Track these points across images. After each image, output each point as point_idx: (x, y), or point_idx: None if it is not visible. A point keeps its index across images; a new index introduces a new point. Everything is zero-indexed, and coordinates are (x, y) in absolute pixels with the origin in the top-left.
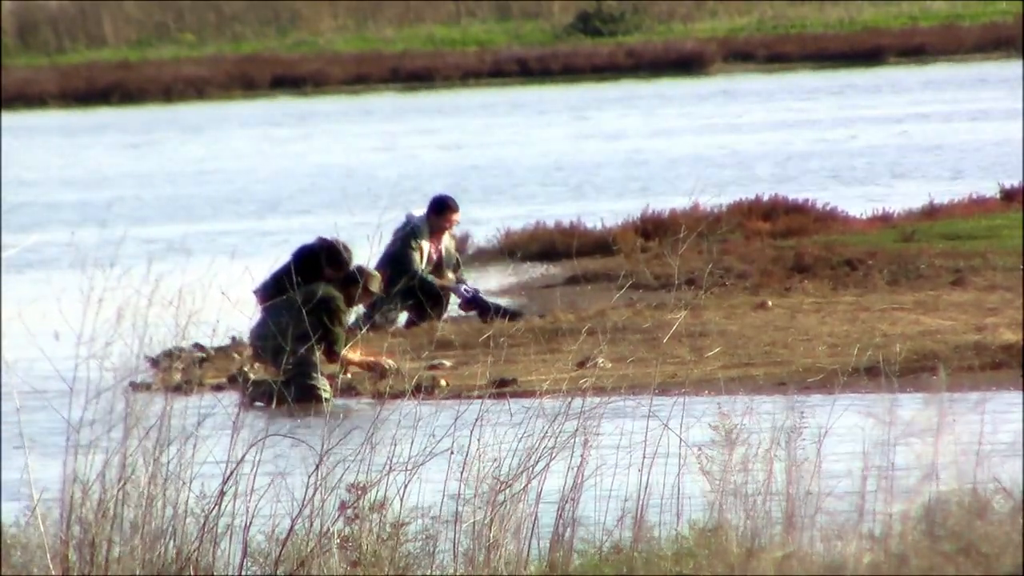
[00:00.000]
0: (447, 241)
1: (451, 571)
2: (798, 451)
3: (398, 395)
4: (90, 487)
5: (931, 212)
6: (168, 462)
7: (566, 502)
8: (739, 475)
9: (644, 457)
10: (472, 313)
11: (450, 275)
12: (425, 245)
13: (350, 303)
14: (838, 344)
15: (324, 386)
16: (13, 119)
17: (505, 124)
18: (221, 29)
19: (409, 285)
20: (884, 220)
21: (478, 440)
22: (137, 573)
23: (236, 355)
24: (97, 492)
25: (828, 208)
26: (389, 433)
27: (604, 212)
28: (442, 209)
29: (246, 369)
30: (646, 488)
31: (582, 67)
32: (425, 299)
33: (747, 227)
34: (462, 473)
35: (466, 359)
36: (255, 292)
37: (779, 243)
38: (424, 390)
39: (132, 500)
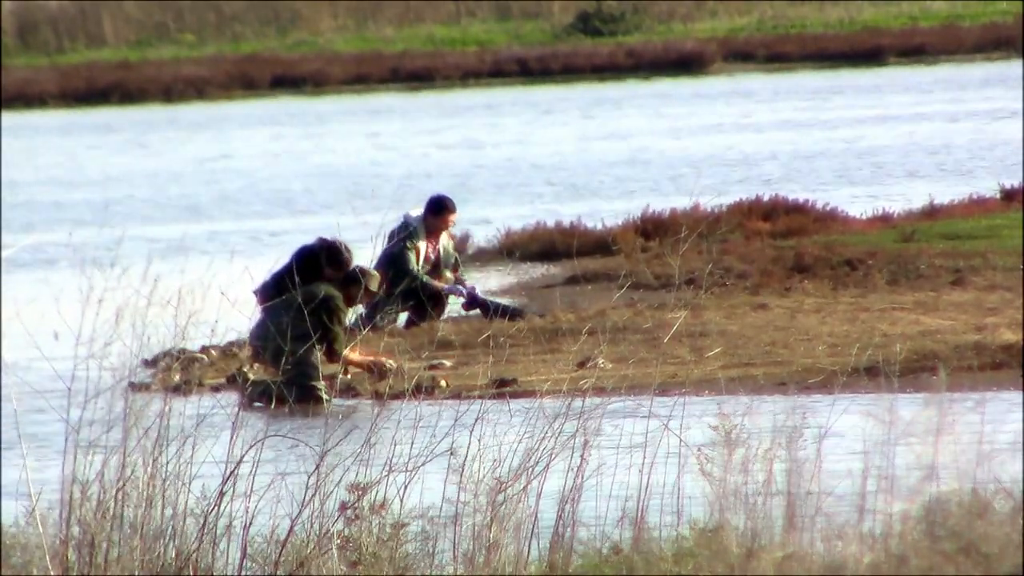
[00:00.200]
0: (445, 241)
1: (451, 571)
2: (798, 451)
3: (398, 395)
4: (89, 487)
5: (931, 212)
6: (167, 462)
7: (566, 502)
8: (739, 475)
9: (644, 457)
10: (474, 312)
11: (449, 275)
12: (422, 246)
13: (350, 303)
14: (838, 344)
15: (323, 387)
16: (13, 119)
17: (508, 124)
18: (221, 29)
19: (410, 286)
20: (884, 220)
21: (478, 440)
22: (137, 573)
23: (236, 351)
24: (96, 492)
25: (828, 208)
26: (389, 433)
27: (606, 212)
28: (439, 209)
29: (245, 369)
30: (646, 488)
31: (582, 67)
32: (426, 299)
33: (747, 227)
34: (461, 474)
35: (466, 359)
36: (255, 292)
37: (779, 243)
38: (424, 390)
39: (132, 500)
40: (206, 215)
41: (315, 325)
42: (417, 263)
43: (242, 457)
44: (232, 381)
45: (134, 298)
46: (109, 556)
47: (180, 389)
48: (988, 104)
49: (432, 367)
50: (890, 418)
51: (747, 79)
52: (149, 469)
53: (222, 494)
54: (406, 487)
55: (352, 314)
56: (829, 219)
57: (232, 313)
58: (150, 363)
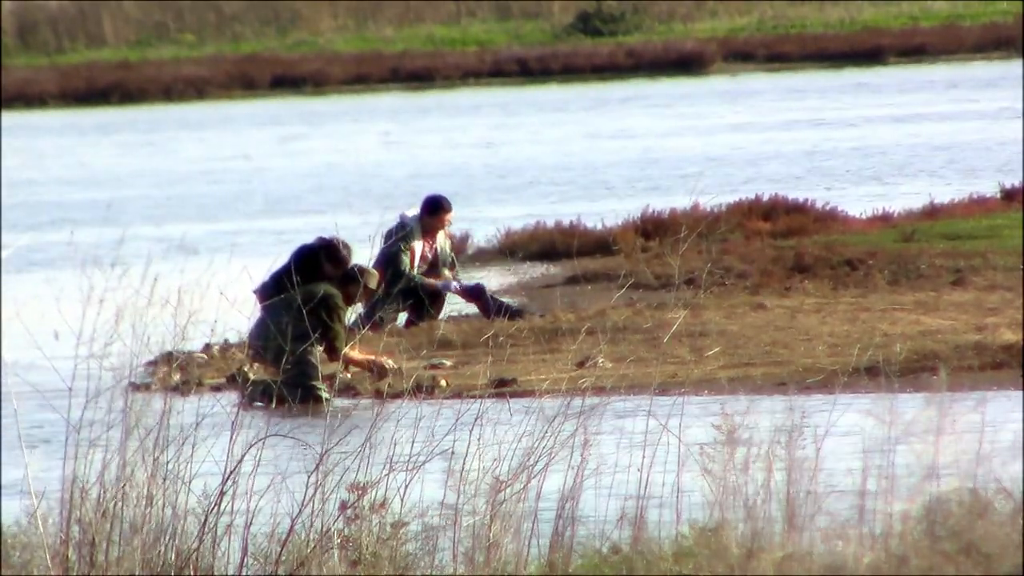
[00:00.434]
0: (442, 240)
1: (451, 571)
2: (798, 451)
3: (398, 395)
4: (90, 487)
5: (931, 212)
6: (167, 462)
7: (566, 502)
8: (739, 475)
9: (644, 457)
10: (473, 305)
11: (447, 273)
12: (418, 246)
13: (349, 301)
14: (838, 344)
15: (323, 387)
16: (13, 119)
17: (511, 124)
18: (221, 29)
19: (407, 286)
20: (884, 220)
21: (478, 440)
22: (137, 573)
23: (235, 351)
24: (97, 492)
25: (828, 208)
26: (389, 433)
27: (607, 212)
28: (435, 209)
29: (245, 369)
30: (646, 488)
31: (582, 67)
32: (424, 297)
33: (747, 227)
34: (461, 474)
35: (466, 359)
36: (255, 292)
37: (779, 243)
38: (424, 390)
39: (132, 500)
40: (217, 214)
41: (314, 324)
42: (412, 263)
43: (242, 457)
44: (232, 381)
45: (134, 298)
46: (109, 556)
47: (180, 389)
48: (988, 104)
49: (432, 367)
50: (890, 418)
51: (747, 79)
52: (149, 469)
53: (222, 494)
54: (406, 486)
55: (352, 313)
56: (829, 219)
57: (232, 313)
58: (153, 363)
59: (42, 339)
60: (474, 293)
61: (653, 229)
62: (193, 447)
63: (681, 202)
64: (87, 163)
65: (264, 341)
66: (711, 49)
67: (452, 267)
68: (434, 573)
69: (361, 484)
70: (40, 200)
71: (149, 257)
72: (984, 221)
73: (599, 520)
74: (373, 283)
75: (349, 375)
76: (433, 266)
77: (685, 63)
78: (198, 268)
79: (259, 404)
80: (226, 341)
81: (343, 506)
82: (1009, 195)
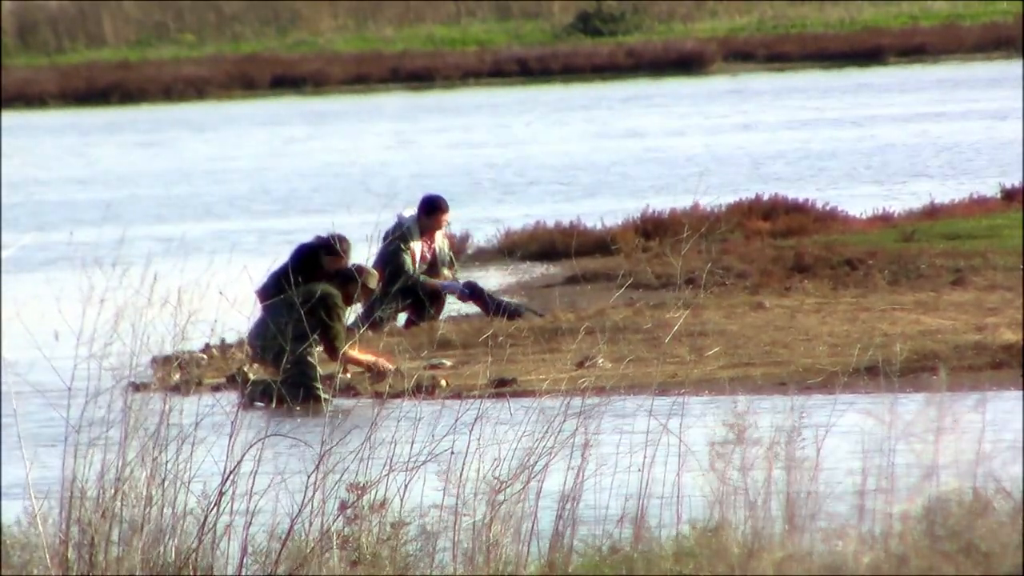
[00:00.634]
0: (440, 240)
1: (451, 571)
2: (798, 451)
3: (398, 395)
4: (89, 487)
5: (931, 212)
6: (167, 462)
7: (566, 502)
8: (739, 475)
9: (644, 457)
10: (473, 305)
11: (446, 272)
12: (416, 246)
13: (348, 301)
14: (838, 344)
15: (322, 387)
16: (13, 119)
17: (513, 124)
18: (221, 29)
19: (407, 285)
20: (884, 220)
21: (478, 440)
22: (137, 573)
23: (235, 351)
24: (96, 492)
25: (828, 208)
26: (389, 433)
27: (607, 212)
28: (432, 210)
29: (245, 369)
30: (646, 488)
31: (582, 67)
32: (424, 297)
33: (747, 227)
34: (460, 475)
35: (466, 359)
36: (256, 293)
37: (779, 243)
38: (424, 390)
39: (131, 500)
40: (222, 214)
41: (313, 323)
42: (413, 263)
43: (242, 457)
44: (232, 381)
45: (134, 298)
46: (109, 556)
47: (180, 389)
48: (988, 104)
49: (432, 366)
50: (890, 418)
51: (747, 79)
52: (149, 469)
53: (222, 494)
54: (406, 486)
55: (351, 313)
56: (829, 219)
57: (232, 313)
58: (155, 363)
59: (42, 339)
60: (474, 293)
61: (653, 229)
62: (193, 447)
63: (681, 202)
64: (87, 163)
65: (264, 341)
66: (711, 49)
67: (451, 267)
68: (434, 573)
69: (361, 484)
70: (41, 200)
71: (149, 257)
72: (984, 221)
73: (599, 520)
74: (372, 283)
75: (349, 375)
76: (432, 266)
77: (685, 63)
78: (198, 268)
79: (259, 404)
80: (222, 341)
81: (343, 506)
82: (1009, 195)
